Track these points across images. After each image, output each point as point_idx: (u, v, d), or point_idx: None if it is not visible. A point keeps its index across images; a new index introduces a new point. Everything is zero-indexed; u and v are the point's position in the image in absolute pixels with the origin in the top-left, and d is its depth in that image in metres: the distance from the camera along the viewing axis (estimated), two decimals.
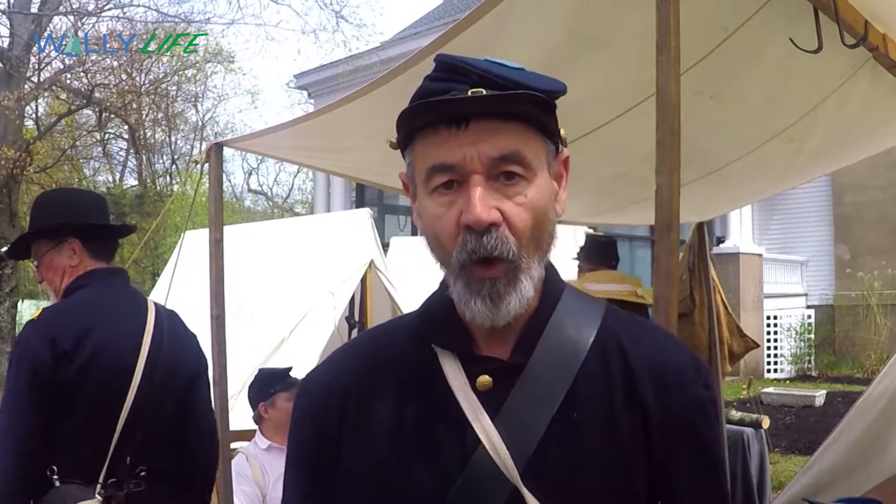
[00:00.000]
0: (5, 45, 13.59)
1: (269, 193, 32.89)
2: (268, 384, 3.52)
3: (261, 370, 3.76)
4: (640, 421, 1.05)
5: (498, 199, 0.99)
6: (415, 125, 1.01)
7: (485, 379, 1.04)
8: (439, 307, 1.09)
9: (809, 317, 14.54)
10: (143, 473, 2.15)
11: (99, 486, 2.10)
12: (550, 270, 1.10)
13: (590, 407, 1.04)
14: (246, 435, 3.81)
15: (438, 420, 1.04)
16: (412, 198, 1.09)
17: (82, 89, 15.07)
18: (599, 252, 4.23)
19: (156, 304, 2.39)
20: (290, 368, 3.65)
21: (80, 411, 2.12)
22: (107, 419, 2.14)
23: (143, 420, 2.17)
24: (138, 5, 14.72)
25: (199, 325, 2.58)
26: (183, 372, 2.32)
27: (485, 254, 0.98)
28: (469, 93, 0.97)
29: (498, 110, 0.98)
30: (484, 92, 0.97)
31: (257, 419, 3.54)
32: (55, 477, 2.09)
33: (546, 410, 1.02)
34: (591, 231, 6.25)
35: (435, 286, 1.13)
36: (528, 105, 0.99)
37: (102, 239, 2.34)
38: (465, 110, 0.98)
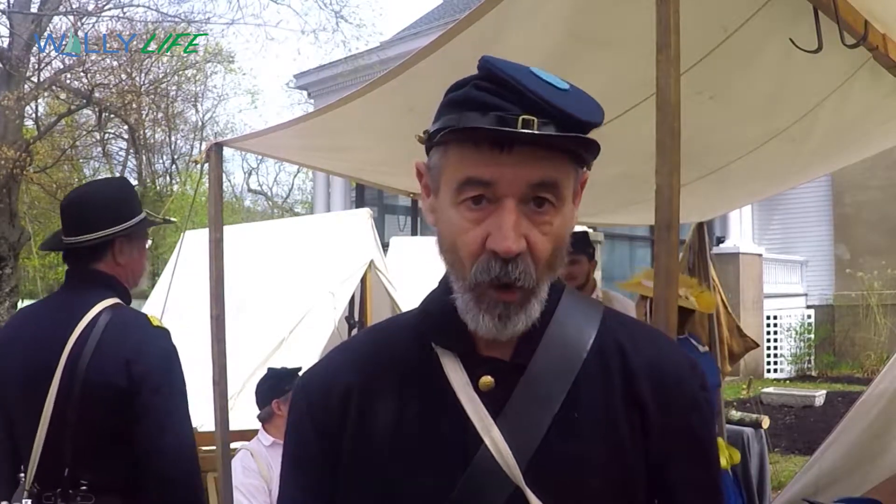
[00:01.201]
0: (5, 45, 13.55)
1: (269, 193, 32.95)
2: (282, 381, 3.57)
3: (271, 369, 3.78)
4: (639, 420, 1.06)
5: (526, 226, 1.00)
6: (457, 136, 1.00)
7: (487, 379, 1.05)
8: (439, 308, 1.09)
9: (809, 317, 14.55)
10: (84, 487, 2.08)
11: (26, 493, 2.09)
12: None
13: (590, 407, 1.05)
14: (246, 435, 3.81)
15: (440, 419, 1.05)
16: (425, 190, 1.09)
17: (82, 89, 15.02)
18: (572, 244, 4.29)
19: (104, 310, 2.19)
20: (299, 368, 3.67)
21: (10, 411, 2.18)
22: (29, 424, 2.11)
23: (71, 431, 2.09)
24: (138, 5, 14.69)
25: (199, 325, 2.56)
26: (105, 385, 2.11)
27: (507, 280, 1.00)
28: (520, 119, 0.96)
29: (544, 143, 0.98)
30: (535, 121, 0.96)
31: (267, 415, 3.57)
32: (21, 475, 2.13)
33: (547, 410, 1.03)
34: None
35: (434, 286, 1.13)
36: (573, 143, 0.99)
37: (66, 247, 2.31)
38: (512, 138, 0.97)
